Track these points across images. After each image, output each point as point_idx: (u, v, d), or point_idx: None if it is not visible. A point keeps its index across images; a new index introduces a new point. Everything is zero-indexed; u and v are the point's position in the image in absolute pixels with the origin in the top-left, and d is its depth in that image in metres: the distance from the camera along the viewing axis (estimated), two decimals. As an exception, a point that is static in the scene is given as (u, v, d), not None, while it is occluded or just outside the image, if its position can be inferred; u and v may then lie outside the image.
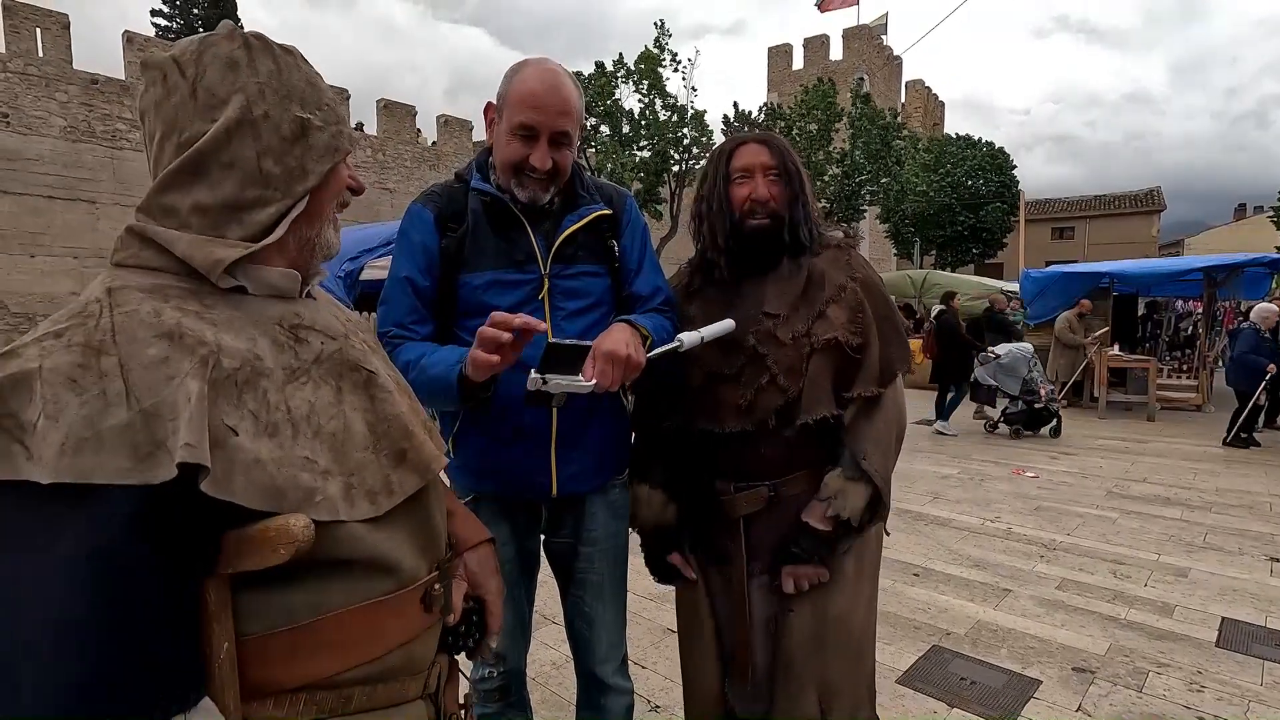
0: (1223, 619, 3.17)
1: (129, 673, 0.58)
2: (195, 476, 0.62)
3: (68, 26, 14.49)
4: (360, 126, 21.05)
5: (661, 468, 1.55)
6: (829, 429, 1.40)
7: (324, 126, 0.79)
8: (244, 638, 0.68)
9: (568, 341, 1.17)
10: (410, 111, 19.71)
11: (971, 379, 8.01)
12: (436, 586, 0.83)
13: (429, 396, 1.26)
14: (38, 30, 14.14)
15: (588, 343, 1.20)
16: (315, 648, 0.72)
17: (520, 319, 1.14)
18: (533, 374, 1.15)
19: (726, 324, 1.37)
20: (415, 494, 0.81)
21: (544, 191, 1.40)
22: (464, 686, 1.00)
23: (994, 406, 8.02)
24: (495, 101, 1.41)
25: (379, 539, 0.75)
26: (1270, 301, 8.94)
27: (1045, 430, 7.91)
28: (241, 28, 0.78)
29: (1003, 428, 8.07)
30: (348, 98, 19.02)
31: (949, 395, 8.20)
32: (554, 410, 1.41)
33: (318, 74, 0.82)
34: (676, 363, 1.42)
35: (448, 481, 1.19)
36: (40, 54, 14.12)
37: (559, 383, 1.15)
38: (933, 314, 8.34)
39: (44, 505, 0.57)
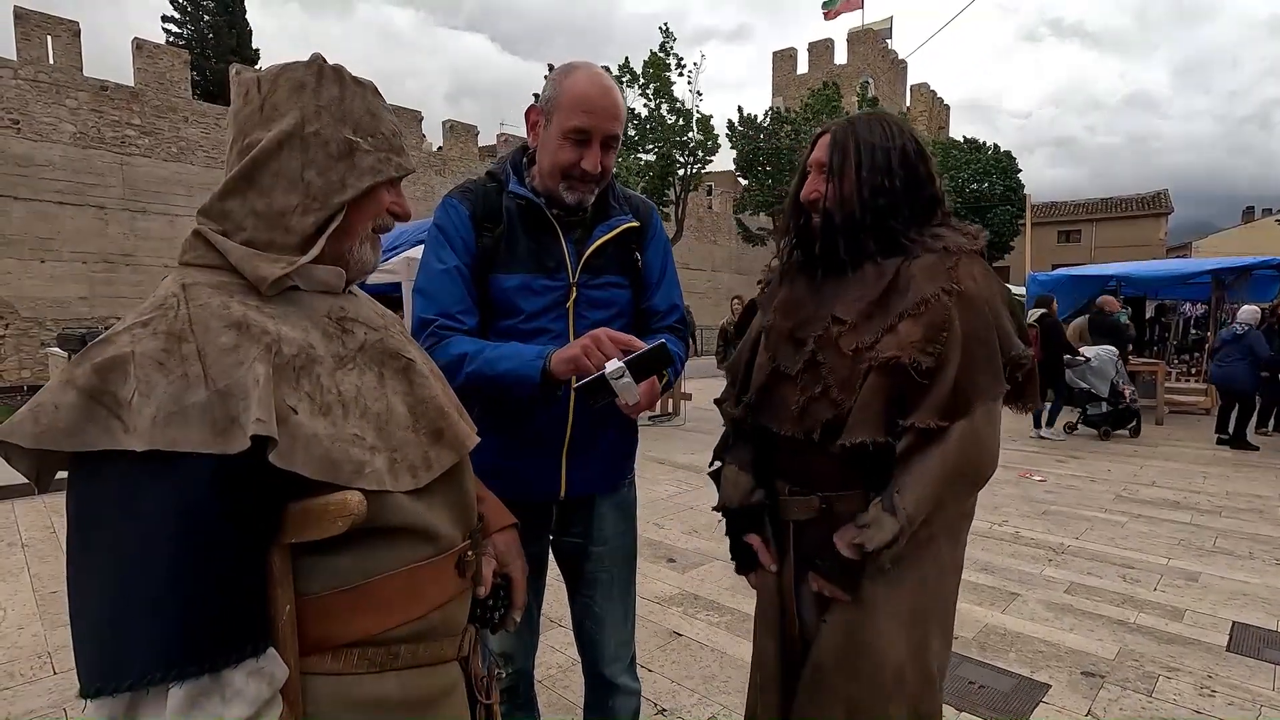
0: (1233, 623, 3.15)
1: (214, 620, 0.66)
2: (263, 449, 0.70)
3: (78, 34, 14.61)
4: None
5: (750, 451, 1.48)
6: (878, 454, 1.26)
7: (371, 151, 0.86)
8: (303, 597, 0.77)
9: (655, 352, 1.20)
10: (416, 117, 19.78)
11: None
12: (469, 553, 0.92)
13: (495, 389, 1.29)
14: (48, 38, 14.26)
15: (670, 369, 1.24)
16: (366, 607, 0.80)
17: (628, 339, 1.21)
18: (618, 363, 1.17)
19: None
20: (450, 469, 0.89)
21: (590, 194, 1.42)
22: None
23: (1083, 409, 8.13)
24: (540, 105, 1.41)
25: (420, 509, 0.83)
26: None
27: (1126, 430, 8.08)
28: (322, 59, 0.87)
29: (1082, 429, 8.19)
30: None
31: (1048, 401, 8.15)
32: (570, 413, 1.42)
33: (384, 107, 0.90)
34: (751, 351, 1.49)
35: None
36: (51, 61, 14.23)
37: (626, 383, 1.17)
38: (1033, 317, 8.08)
39: (138, 471, 0.65)
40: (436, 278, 1.40)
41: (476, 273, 1.41)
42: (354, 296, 0.93)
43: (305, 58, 0.87)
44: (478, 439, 0.97)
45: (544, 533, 1.56)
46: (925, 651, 1.33)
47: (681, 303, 1.58)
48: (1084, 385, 7.93)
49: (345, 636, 0.79)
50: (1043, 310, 8.07)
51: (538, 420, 1.40)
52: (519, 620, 1.08)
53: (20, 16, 13.95)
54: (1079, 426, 8.26)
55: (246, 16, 27.30)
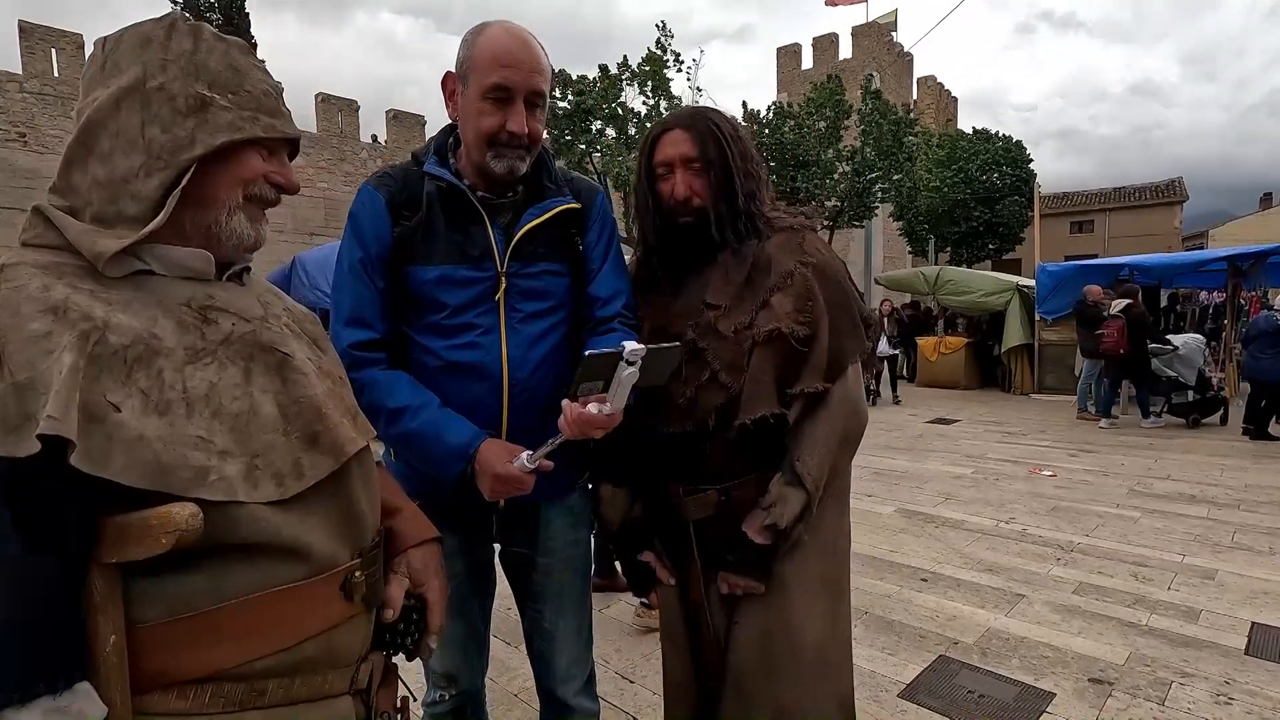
0: (1253, 624, 2.98)
1: None
2: (66, 452, 0.61)
3: (82, 46, 14.74)
4: (374, 139, 21.45)
5: (623, 465, 1.44)
6: (774, 429, 1.29)
7: (231, 108, 0.78)
8: (140, 626, 0.67)
9: (671, 351, 1.17)
10: (420, 121, 19.83)
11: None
12: (357, 574, 0.81)
13: (415, 455, 1.29)
14: (53, 51, 14.39)
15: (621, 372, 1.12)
16: (218, 636, 0.70)
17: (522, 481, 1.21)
18: (639, 346, 1.10)
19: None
20: (334, 477, 0.80)
21: (521, 162, 1.29)
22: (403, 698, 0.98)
23: (1168, 397, 8.06)
24: (456, 69, 1.29)
25: (287, 522, 0.74)
26: None
27: (1215, 418, 8.02)
28: (180, 14, 0.81)
29: (1167, 417, 8.15)
30: (357, 109, 19.31)
31: (1119, 389, 8.14)
32: (504, 408, 1.31)
33: (255, 66, 0.83)
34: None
35: None
36: (56, 74, 14.36)
37: (630, 377, 1.10)
38: (1117, 308, 7.89)
39: None
40: (344, 277, 1.30)
41: (390, 266, 1.30)
42: (231, 285, 0.84)
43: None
44: (364, 443, 0.87)
45: (486, 540, 1.44)
46: (840, 619, 1.38)
47: (628, 288, 1.43)
48: (1171, 374, 7.82)
49: (195, 670, 0.70)
50: (1128, 301, 7.82)
51: (468, 417, 1.28)
52: (434, 646, 0.98)
53: (25, 30, 14.09)
54: (1164, 415, 8.15)
55: (251, 30, 27.48)
